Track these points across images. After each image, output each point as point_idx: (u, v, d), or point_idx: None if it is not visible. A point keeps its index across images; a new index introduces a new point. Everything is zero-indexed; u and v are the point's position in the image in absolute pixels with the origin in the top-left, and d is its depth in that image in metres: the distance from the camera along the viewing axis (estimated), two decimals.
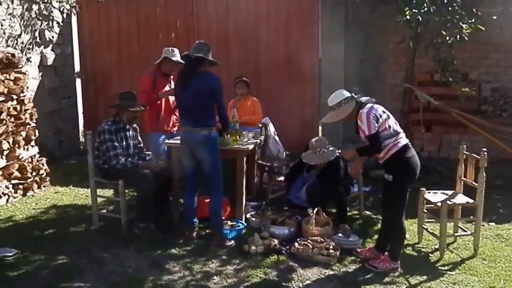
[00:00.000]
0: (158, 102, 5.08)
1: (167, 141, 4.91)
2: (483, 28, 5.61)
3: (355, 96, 3.77)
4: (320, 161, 4.71)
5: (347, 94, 3.76)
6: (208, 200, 4.41)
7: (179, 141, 4.45)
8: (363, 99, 3.78)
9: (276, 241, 4.17)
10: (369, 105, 3.72)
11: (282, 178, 5.70)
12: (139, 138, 4.83)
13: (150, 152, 4.98)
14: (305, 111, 7.42)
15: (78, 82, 8.15)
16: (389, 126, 3.67)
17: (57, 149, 7.38)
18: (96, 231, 4.57)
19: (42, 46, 7.06)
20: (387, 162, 3.73)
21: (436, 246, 4.23)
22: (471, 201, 4.20)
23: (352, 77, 7.07)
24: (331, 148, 4.75)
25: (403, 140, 3.72)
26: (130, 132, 4.70)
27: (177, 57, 5.00)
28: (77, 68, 8.06)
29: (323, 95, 7.19)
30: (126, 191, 4.66)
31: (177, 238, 4.36)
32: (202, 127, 4.13)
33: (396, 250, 3.85)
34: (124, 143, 4.59)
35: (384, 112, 3.72)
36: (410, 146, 3.75)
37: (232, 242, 4.27)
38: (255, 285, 3.56)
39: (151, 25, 7.65)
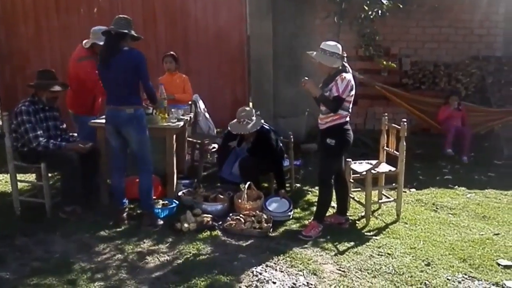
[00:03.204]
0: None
1: (92, 121, 4.71)
2: (401, 6, 5.85)
3: (344, 59, 3.97)
4: (242, 132, 4.72)
5: (340, 51, 3.92)
6: (138, 180, 4.31)
7: (104, 121, 4.29)
8: (347, 65, 3.98)
9: (209, 218, 4.18)
10: (350, 74, 3.94)
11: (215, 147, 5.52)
12: (61, 119, 4.60)
13: (75, 134, 4.76)
14: (235, 88, 7.42)
15: None
16: (350, 102, 3.95)
17: None
18: (19, 218, 4.33)
19: None
20: (329, 129, 3.95)
21: (362, 214, 4.43)
22: (393, 169, 4.43)
23: (282, 53, 7.13)
24: (255, 120, 4.75)
25: (348, 117, 4.02)
26: (51, 113, 4.45)
27: None
28: None
29: (252, 71, 7.22)
30: (50, 174, 4.44)
31: (106, 220, 4.24)
32: (127, 105, 3.99)
33: (324, 213, 4.10)
34: (44, 124, 4.35)
35: (353, 81, 3.95)
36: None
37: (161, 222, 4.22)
38: (189, 261, 3.55)
39: None
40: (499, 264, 3.51)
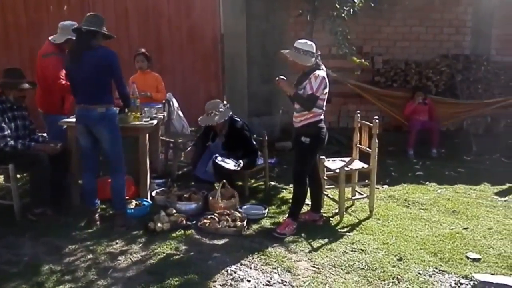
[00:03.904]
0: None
1: (62, 120, 4.61)
2: (372, 4, 5.93)
3: (318, 57, 3.99)
4: (210, 123, 4.75)
5: (314, 49, 3.93)
6: (110, 180, 4.24)
7: (74, 120, 4.20)
8: (320, 63, 4.01)
9: (183, 217, 4.15)
10: (324, 72, 3.96)
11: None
12: (30, 118, 4.49)
13: (45, 134, 4.66)
14: (209, 86, 7.38)
15: None
16: (324, 100, 3.98)
17: None
18: None
19: None
20: (304, 127, 3.98)
21: (336, 210, 4.47)
22: (366, 166, 4.48)
23: (255, 51, 7.13)
24: (223, 110, 4.78)
25: (322, 115, 4.04)
26: (19, 112, 4.34)
27: None
28: None
29: (227, 70, 7.20)
30: (19, 175, 4.33)
31: (78, 222, 4.17)
32: (99, 104, 3.93)
33: (298, 210, 4.12)
34: (12, 124, 4.25)
35: (327, 80, 3.99)
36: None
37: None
38: (162, 261, 3.52)
39: None
40: (468, 258, 3.59)
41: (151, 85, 5.54)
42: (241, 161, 4.73)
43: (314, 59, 3.92)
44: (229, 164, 4.64)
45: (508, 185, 5.51)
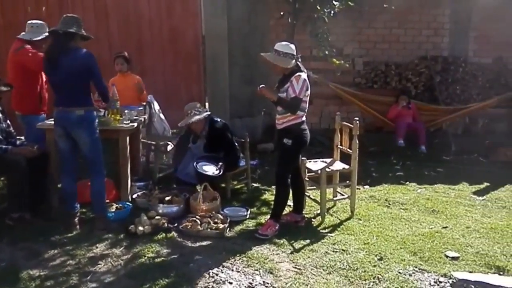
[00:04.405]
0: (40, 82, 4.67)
1: (40, 123, 4.54)
2: (352, 3, 5.99)
3: (299, 59, 4.00)
4: (189, 121, 4.76)
5: (294, 51, 3.95)
6: (90, 183, 4.19)
7: (53, 122, 4.14)
8: (301, 65, 4.01)
9: (164, 220, 4.12)
10: (305, 74, 3.96)
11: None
12: (8, 121, 4.41)
13: (23, 137, 4.58)
14: (191, 88, 7.37)
15: None
16: (306, 102, 3.99)
17: None
18: None
19: None
20: (286, 129, 3.99)
21: (318, 211, 4.49)
22: (346, 167, 4.51)
23: (237, 52, 7.14)
24: (201, 110, 4.85)
25: (304, 117, 4.07)
26: None
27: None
28: None
29: (208, 71, 7.19)
30: None
31: (57, 226, 4.10)
32: (77, 107, 3.88)
33: (280, 211, 4.12)
34: None
35: (308, 83, 4.00)
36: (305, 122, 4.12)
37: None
38: (143, 265, 3.49)
39: None
40: (447, 256, 3.64)
41: (131, 88, 5.51)
42: (221, 163, 4.73)
43: (294, 61, 3.94)
44: (210, 170, 4.66)
45: (486, 184, 5.61)
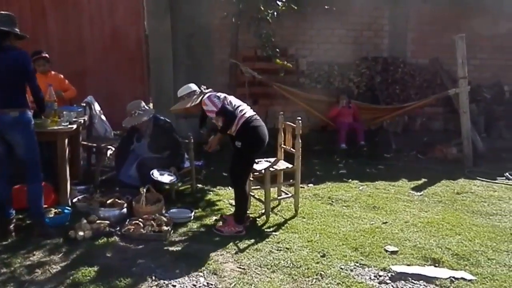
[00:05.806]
0: None
1: None
2: (296, 7, 6.09)
3: (202, 89, 4.14)
4: (136, 122, 4.73)
5: (194, 87, 4.18)
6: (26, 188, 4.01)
7: None
8: (206, 90, 4.13)
9: (105, 224, 4.01)
10: (209, 93, 4.07)
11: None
12: None
13: None
14: (135, 88, 7.20)
15: None
16: (230, 102, 4.04)
17: None
18: None
19: None
20: (238, 133, 4.02)
21: (263, 211, 4.52)
22: (290, 166, 4.58)
23: (181, 52, 7.07)
24: (146, 109, 4.82)
25: (249, 112, 4.09)
26: None
27: None
28: None
29: (152, 71, 7.07)
30: None
31: None
32: (12, 108, 3.71)
33: (241, 214, 4.13)
34: None
35: (221, 93, 4.10)
36: (257, 117, 4.15)
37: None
38: (84, 271, 3.36)
39: None
40: (386, 251, 3.77)
41: (55, 86, 5.30)
42: (173, 167, 4.73)
43: (200, 95, 4.09)
44: (166, 179, 4.63)
45: (423, 180, 5.87)
